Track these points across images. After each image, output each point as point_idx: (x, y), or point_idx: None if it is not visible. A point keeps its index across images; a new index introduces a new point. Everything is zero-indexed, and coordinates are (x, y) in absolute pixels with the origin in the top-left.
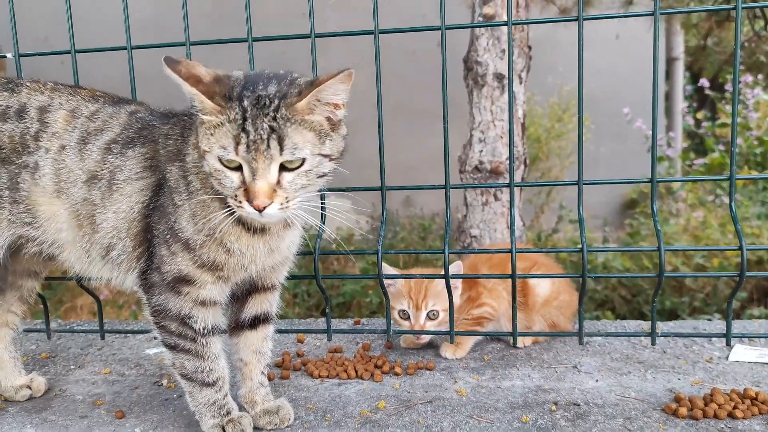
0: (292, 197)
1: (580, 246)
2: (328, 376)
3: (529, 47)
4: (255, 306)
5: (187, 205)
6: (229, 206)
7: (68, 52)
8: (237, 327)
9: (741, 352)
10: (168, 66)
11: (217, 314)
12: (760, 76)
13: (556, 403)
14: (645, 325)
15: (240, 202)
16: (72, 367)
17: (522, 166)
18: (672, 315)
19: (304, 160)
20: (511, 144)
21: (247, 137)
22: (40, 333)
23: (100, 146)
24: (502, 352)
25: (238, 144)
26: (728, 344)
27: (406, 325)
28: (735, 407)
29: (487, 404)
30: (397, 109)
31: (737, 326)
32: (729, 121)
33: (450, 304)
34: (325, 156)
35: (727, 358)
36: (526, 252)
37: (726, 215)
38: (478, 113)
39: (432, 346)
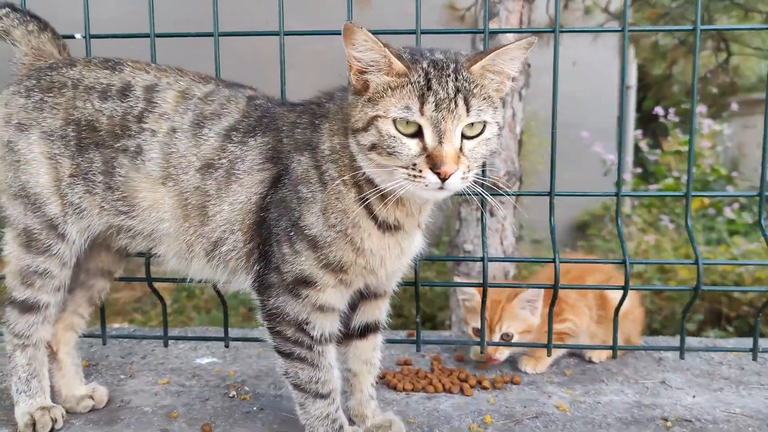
0: (473, 167)
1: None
2: (413, 389)
3: (529, 65)
4: (366, 314)
5: (319, 196)
6: (363, 197)
7: (147, 35)
8: (347, 336)
9: None
10: (355, 28)
11: (334, 322)
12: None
13: (666, 419)
14: (707, 341)
15: (420, 171)
16: (122, 376)
17: (517, 182)
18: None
19: (484, 127)
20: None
21: (435, 96)
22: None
23: (218, 132)
24: (580, 366)
25: (423, 104)
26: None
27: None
28: None
29: (595, 420)
30: None
31: None
32: (681, 148)
33: (549, 314)
34: (500, 127)
35: None
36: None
37: (679, 239)
38: None
39: (506, 361)
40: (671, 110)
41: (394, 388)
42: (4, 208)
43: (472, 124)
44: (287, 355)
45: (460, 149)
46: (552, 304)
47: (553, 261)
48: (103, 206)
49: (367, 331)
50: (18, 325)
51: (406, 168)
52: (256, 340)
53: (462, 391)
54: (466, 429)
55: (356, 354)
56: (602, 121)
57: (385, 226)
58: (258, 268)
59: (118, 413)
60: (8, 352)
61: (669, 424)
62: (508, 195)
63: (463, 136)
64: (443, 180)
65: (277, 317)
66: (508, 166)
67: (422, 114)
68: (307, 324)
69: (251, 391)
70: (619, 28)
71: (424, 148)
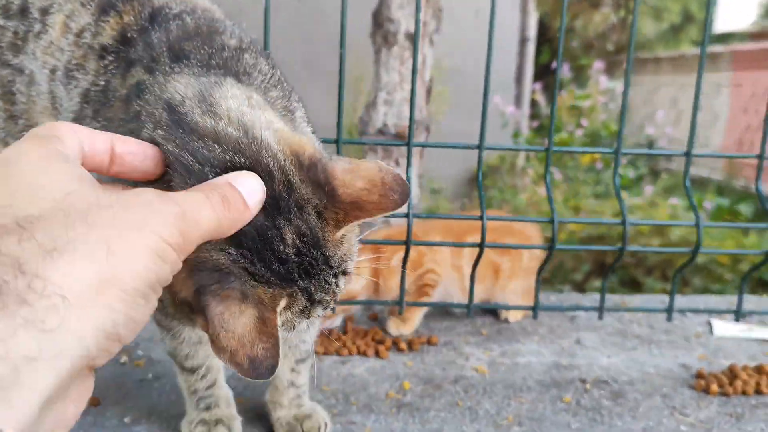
0: None
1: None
2: (325, 352)
3: (440, 9)
4: None
5: None
6: None
7: None
8: None
9: (722, 327)
10: None
11: None
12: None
13: (584, 381)
14: (616, 299)
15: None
16: None
17: (425, 132)
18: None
19: None
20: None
21: (320, 304)
22: None
23: None
24: (496, 326)
25: (310, 314)
26: (737, 319)
27: None
28: (758, 383)
29: (516, 383)
30: (307, 68)
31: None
32: (576, 103)
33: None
34: None
35: (711, 333)
36: (496, 219)
37: (568, 191)
38: (386, 74)
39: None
40: (567, 65)
41: None
42: None
43: None
44: (156, 322)
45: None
46: (475, 264)
47: (481, 218)
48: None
49: None
50: None
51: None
52: None
53: (377, 354)
54: (384, 395)
55: None
56: (501, 72)
57: None
58: None
59: None
60: None
61: (588, 386)
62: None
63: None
64: None
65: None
66: (417, 114)
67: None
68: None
69: (145, 356)
70: None
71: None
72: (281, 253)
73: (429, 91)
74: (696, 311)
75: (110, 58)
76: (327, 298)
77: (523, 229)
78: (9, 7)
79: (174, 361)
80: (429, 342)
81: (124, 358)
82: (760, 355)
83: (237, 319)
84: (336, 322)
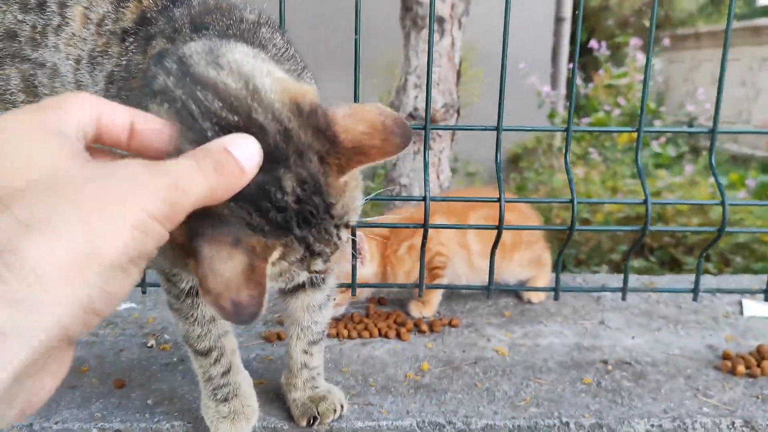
0: None
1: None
2: (348, 336)
3: None
4: None
5: None
6: None
7: None
8: (282, 294)
9: (753, 307)
10: None
11: None
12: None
13: (606, 362)
14: (644, 279)
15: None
16: None
17: (455, 115)
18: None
19: None
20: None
21: (320, 256)
22: None
23: None
24: (519, 307)
25: (309, 266)
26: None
27: None
28: None
29: (536, 364)
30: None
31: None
32: (612, 82)
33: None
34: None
35: (741, 313)
36: (512, 201)
37: (606, 171)
38: (415, 57)
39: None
40: (604, 43)
41: (328, 336)
42: None
43: None
44: (168, 306)
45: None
46: (494, 247)
47: (499, 200)
48: None
49: (297, 288)
50: None
51: None
52: None
53: (399, 336)
54: (402, 377)
55: (286, 313)
56: (537, 52)
57: None
58: None
59: None
60: None
61: (609, 367)
62: (455, 129)
63: None
64: None
65: (158, 269)
66: (446, 97)
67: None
68: (174, 276)
69: (171, 340)
70: None
71: None
72: (280, 202)
73: (459, 74)
74: (724, 291)
75: (131, 39)
76: (327, 250)
77: (522, 207)
78: (27, 2)
79: (188, 347)
80: (450, 324)
81: (151, 342)
82: None
83: (225, 263)
84: (341, 310)
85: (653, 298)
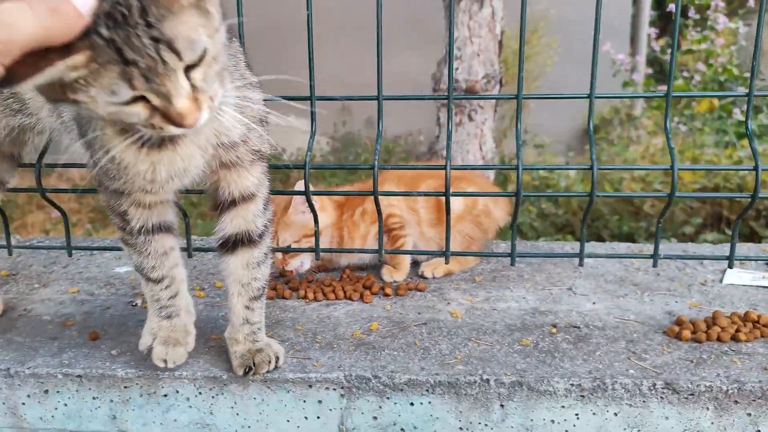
0: (215, 89)
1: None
2: (314, 298)
3: None
4: (232, 224)
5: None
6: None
7: None
8: (220, 250)
9: (734, 275)
10: None
11: (161, 215)
12: (721, 4)
13: (555, 326)
14: (634, 248)
15: (161, 128)
16: (36, 285)
17: (497, 86)
18: (629, 239)
19: (206, 49)
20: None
21: (137, 66)
22: None
23: None
24: (494, 273)
25: (131, 80)
26: (730, 267)
27: None
28: (738, 330)
29: (484, 326)
30: (360, 25)
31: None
32: (693, 47)
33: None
34: (218, 27)
35: (721, 281)
36: (459, 168)
37: (684, 142)
38: (455, 29)
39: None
40: (688, 9)
41: (299, 298)
42: None
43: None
44: (123, 243)
45: (193, 87)
46: (447, 212)
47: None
48: None
49: (236, 245)
50: None
51: (147, 127)
52: None
53: (362, 298)
54: (350, 335)
55: (228, 271)
56: (612, 18)
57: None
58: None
59: (16, 322)
60: None
61: (554, 330)
62: (477, 99)
63: (189, 68)
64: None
65: (108, 208)
66: (487, 68)
67: (134, 89)
68: (126, 215)
69: None
70: None
71: (155, 108)
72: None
73: (500, 45)
74: (685, 258)
75: None
76: (143, 63)
77: (478, 178)
78: None
79: (140, 274)
80: (417, 288)
81: (137, 302)
82: (765, 303)
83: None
84: (301, 262)
85: (634, 266)
